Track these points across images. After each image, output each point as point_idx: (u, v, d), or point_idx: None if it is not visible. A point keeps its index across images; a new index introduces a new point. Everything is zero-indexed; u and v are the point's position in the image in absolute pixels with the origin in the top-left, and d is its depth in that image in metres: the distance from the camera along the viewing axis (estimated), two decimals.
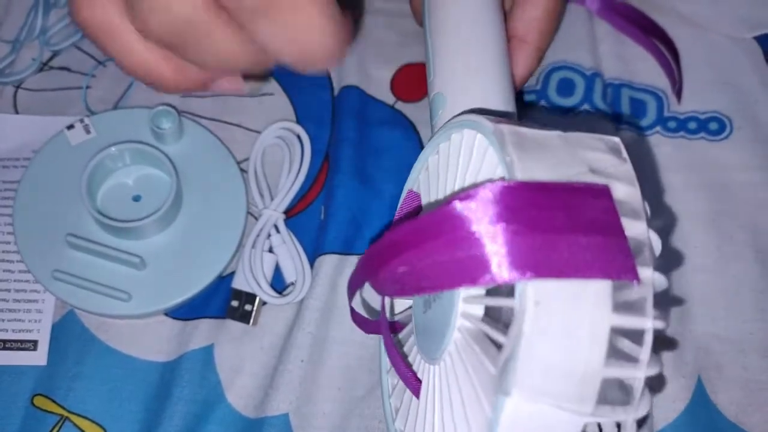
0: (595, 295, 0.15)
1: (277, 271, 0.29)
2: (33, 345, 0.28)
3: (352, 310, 0.24)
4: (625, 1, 0.34)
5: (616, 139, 0.18)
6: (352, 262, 0.29)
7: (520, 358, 0.15)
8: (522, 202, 0.15)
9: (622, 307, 0.15)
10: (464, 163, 0.19)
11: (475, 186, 0.16)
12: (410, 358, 0.23)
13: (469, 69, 0.25)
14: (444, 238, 0.15)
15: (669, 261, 0.29)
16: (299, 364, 0.27)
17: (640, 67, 0.33)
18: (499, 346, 0.17)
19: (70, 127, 0.30)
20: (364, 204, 0.30)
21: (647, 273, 0.16)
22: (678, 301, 0.27)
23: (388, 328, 0.22)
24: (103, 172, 0.29)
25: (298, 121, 0.32)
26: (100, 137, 0.30)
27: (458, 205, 0.15)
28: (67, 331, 0.28)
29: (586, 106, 0.32)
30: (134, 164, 0.30)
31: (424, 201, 0.23)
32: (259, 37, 0.19)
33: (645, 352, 0.16)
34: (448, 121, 0.22)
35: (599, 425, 0.18)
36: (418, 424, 0.21)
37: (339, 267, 0.29)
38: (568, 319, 0.15)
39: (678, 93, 0.33)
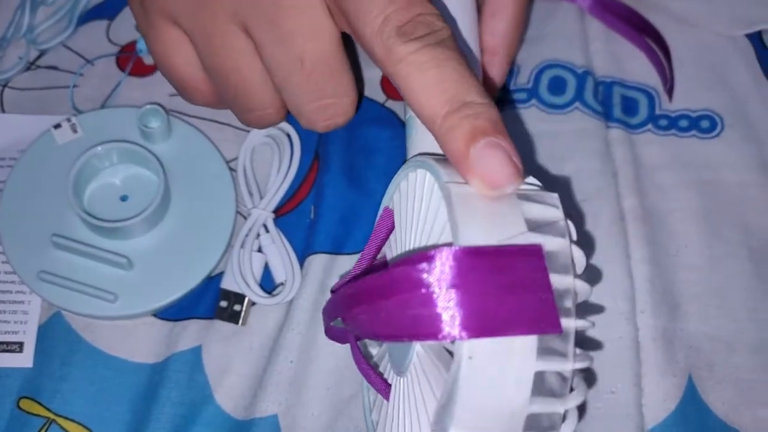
0: (521, 347, 0.18)
1: (267, 271, 0.29)
2: (19, 347, 0.27)
3: (327, 328, 0.24)
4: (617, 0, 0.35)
5: (555, 195, 0.20)
6: (341, 261, 0.29)
7: (457, 401, 0.18)
8: (464, 269, 0.18)
9: (547, 353, 0.18)
10: (424, 208, 0.22)
11: (424, 251, 0.18)
12: (382, 365, 0.24)
13: None
14: (399, 297, 0.18)
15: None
16: (288, 365, 0.27)
17: (632, 65, 0.34)
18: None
19: (57, 126, 0.30)
20: (354, 203, 0.30)
21: (570, 323, 0.19)
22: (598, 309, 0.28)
23: (356, 343, 0.24)
24: (89, 171, 0.29)
25: (288, 120, 0.32)
26: (88, 136, 0.30)
27: (410, 270, 0.18)
28: (54, 332, 0.28)
29: (577, 104, 0.32)
30: (121, 163, 0.30)
31: (396, 226, 0.24)
32: (295, 99, 0.26)
33: (566, 389, 0.19)
34: (416, 155, 0.23)
35: None
36: (387, 423, 0.22)
37: (328, 267, 0.29)
38: (498, 369, 0.18)
39: (669, 91, 0.33)
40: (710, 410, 0.27)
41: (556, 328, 0.18)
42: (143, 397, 0.27)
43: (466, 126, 0.20)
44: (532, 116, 0.32)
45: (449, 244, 0.18)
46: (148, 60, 0.33)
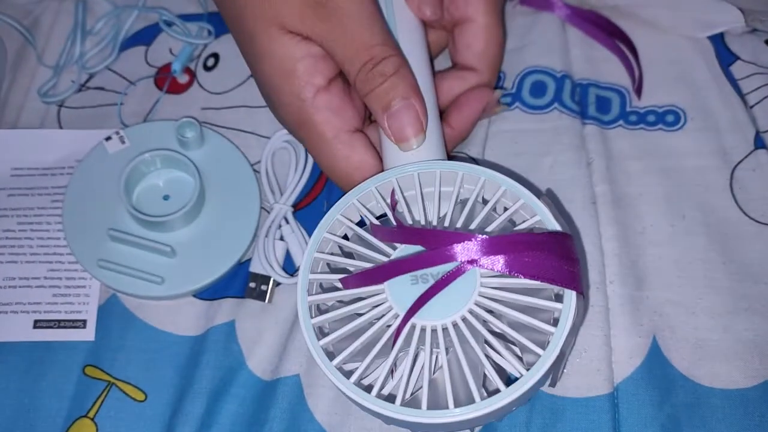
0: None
1: (288, 256, 0.33)
2: (83, 324, 0.32)
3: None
4: (592, 9, 0.38)
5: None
6: None
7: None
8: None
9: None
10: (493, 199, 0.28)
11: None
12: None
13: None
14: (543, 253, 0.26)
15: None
16: None
17: (606, 67, 0.37)
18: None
19: (108, 138, 0.35)
20: None
21: None
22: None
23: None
24: (137, 175, 0.34)
25: None
26: (134, 146, 0.34)
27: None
28: (111, 311, 0.32)
29: (556, 105, 0.35)
30: (164, 168, 0.34)
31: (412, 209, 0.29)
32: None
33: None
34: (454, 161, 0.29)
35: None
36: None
37: None
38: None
39: (638, 90, 0.36)
40: (672, 365, 0.30)
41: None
42: (187, 364, 0.31)
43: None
44: (515, 117, 0.35)
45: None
46: (181, 79, 0.38)
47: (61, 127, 0.37)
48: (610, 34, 0.37)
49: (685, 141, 0.35)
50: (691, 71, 0.36)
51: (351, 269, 0.28)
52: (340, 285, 0.27)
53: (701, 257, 0.32)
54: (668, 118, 0.35)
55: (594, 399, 0.29)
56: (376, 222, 0.28)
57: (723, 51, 0.37)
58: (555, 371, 0.26)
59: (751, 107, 0.35)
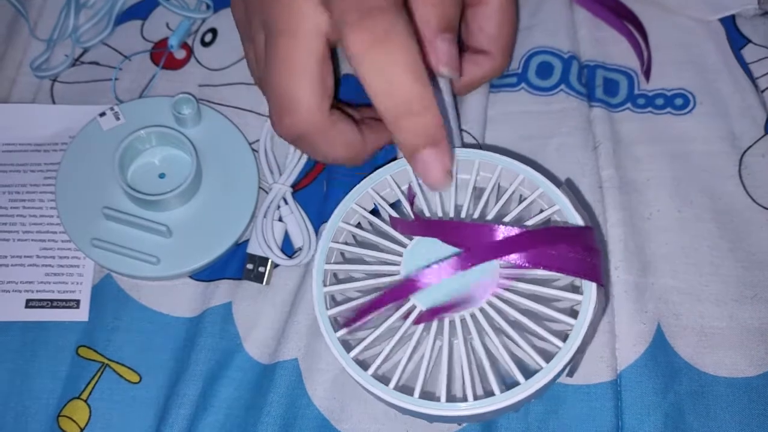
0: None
1: (286, 238, 0.33)
2: (76, 304, 0.32)
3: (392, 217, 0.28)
4: None
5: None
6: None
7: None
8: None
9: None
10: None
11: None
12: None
13: None
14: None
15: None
16: (306, 316, 0.30)
17: (614, 49, 0.36)
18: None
19: (102, 114, 0.34)
20: (360, 178, 0.33)
21: None
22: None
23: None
24: (132, 152, 0.33)
25: None
26: (129, 123, 0.34)
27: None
28: (105, 291, 0.32)
29: (562, 87, 0.35)
30: (159, 146, 0.34)
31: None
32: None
33: None
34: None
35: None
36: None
37: None
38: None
39: (647, 72, 0.35)
40: (676, 353, 0.29)
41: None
42: (182, 346, 0.31)
43: None
44: (521, 98, 0.35)
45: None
46: (178, 55, 0.37)
47: (54, 102, 0.36)
48: (619, 15, 0.37)
49: (693, 125, 0.34)
50: (701, 54, 0.36)
51: (367, 259, 0.28)
52: (355, 275, 0.27)
53: (708, 244, 0.31)
54: (677, 102, 0.35)
55: (596, 386, 0.29)
56: (393, 213, 0.28)
57: (734, 34, 0.36)
58: (574, 362, 0.26)
59: (762, 91, 0.34)
